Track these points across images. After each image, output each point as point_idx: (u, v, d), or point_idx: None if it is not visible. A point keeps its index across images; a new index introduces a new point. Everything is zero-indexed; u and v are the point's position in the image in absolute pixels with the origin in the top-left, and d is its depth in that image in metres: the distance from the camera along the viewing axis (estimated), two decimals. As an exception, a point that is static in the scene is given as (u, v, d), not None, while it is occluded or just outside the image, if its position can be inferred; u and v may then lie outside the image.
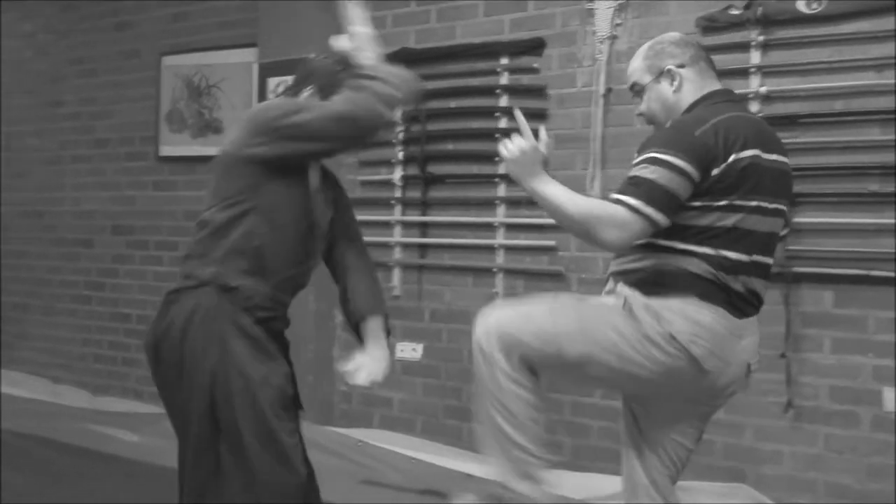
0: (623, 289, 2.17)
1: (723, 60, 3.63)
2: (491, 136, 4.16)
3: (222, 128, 5.16)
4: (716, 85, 2.30)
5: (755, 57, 3.60)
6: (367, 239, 4.70)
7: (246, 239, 2.16)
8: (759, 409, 3.61)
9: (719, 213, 2.09)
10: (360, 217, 4.52)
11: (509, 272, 4.21)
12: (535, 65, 4.13)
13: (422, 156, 4.38)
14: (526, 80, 4.13)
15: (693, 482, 3.70)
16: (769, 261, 2.21)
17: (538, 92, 4.07)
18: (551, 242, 4.07)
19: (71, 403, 5.59)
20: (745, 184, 2.09)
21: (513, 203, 4.19)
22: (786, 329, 3.49)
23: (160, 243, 5.47)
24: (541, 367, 2.17)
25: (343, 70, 2.26)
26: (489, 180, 4.25)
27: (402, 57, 4.44)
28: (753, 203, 2.11)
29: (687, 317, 2.09)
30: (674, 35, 2.37)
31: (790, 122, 3.50)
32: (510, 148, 2.19)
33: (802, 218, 3.49)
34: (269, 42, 4.74)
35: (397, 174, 4.48)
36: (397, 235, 4.50)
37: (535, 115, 4.06)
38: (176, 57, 5.37)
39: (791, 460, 3.58)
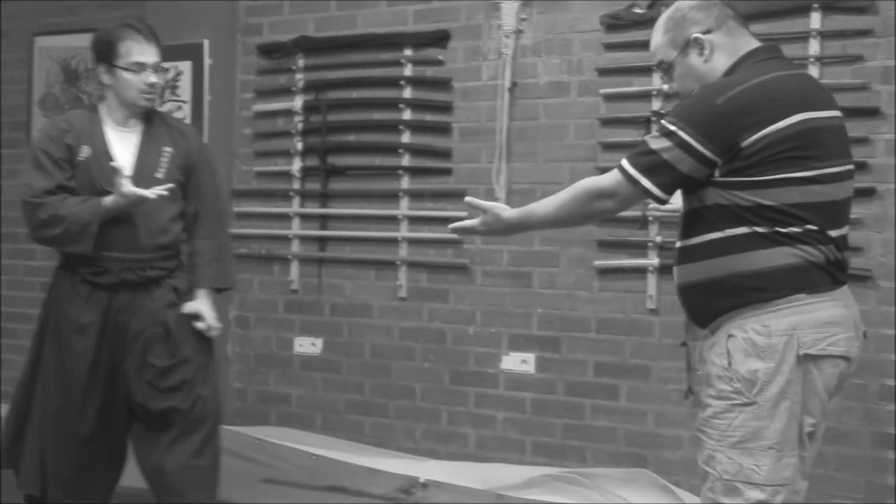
0: None
1: (626, 58, 3.75)
2: (394, 127, 4.15)
3: (103, 114, 4.89)
4: (753, 43, 2.07)
5: (657, 55, 3.71)
6: (263, 231, 4.60)
7: None
8: (660, 397, 3.73)
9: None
10: (256, 209, 4.46)
11: (413, 265, 4.18)
12: (440, 57, 4.12)
13: (322, 147, 4.29)
14: (430, 72, 4.11)
15: (596, 469, 3.79)
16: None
17: (443, 84, 4.06)
18: (455, 235, 4.07)
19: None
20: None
21: (416, 195, 4.17)
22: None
23: (33, 236, 5.13)
24: None
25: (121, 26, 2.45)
26: (392, 172, 4.20)
27: (300, 45, 4.35)
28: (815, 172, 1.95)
29: None
30: None
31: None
32: (475, 226, 2.19)
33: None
34: (158, 24, 4.51)
35: (296, 165, 4.37)
36: (296, 228, 4.38)
37: (440, 108, 4.07)
38: (50, 38, 5.06)
39: (690, 445, 3.71)
